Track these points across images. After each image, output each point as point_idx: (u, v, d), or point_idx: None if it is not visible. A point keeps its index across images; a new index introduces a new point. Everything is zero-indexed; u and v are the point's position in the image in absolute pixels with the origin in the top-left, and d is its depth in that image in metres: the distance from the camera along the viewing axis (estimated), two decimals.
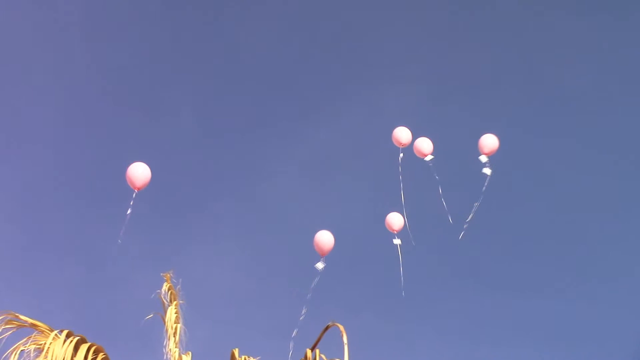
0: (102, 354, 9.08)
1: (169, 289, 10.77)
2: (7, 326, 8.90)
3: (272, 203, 19.50)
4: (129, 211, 10.83)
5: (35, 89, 19.28)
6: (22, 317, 9.00)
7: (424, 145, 13.12)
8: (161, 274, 10.93)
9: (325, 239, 12.37)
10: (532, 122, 19.87)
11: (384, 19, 20.91)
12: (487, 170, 12.74)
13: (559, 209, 19.75)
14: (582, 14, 20.50)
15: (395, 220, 12.95)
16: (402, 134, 13.27)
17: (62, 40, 19.77)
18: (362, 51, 20.70)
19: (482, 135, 13.09)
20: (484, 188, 12.79)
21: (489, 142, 12.86)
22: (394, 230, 12.92)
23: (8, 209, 18.13)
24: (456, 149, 19.00)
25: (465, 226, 13.04)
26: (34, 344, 8.91)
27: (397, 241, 12.88)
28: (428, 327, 18.79)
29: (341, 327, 9.29)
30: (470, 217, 12.95)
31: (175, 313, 10.53)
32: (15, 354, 8.71)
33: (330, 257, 19.15)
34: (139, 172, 10.95)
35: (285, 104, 20.25)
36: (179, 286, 10.95)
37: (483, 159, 12.80)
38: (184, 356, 9.93)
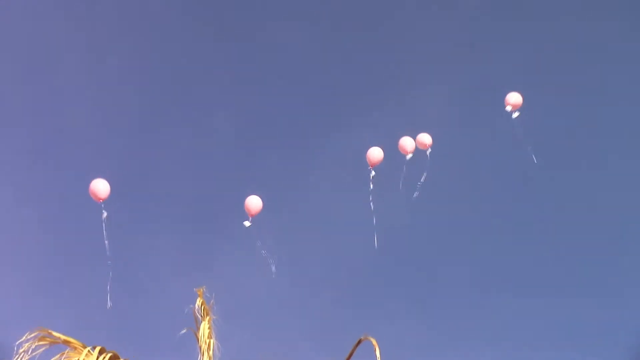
0: None
1: (202, 305, 10.77)
2: (40, 343, 8.95)
3: (308, 209, 19.42)
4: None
5: (72, 89, 19.39)
6: (54, 333, 9.05)
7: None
8: (194, 289, 10.94)
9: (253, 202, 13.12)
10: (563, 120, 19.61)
11: (417, 21, 20.80)
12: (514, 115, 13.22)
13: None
14: None
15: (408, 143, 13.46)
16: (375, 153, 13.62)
17: (96, 40, 19.90)
18: (396, 54, 20.59)
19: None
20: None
21: (514, 98, 13.34)
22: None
23: (40, 217, 18.26)
24: (488, 148, 18.96)
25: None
26: None
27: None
28: (464, 331, 18.59)
29: (374, 341, 9.18)
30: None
31: (208, 328, 10.53)
32: None
33: (367, 262, 19.09)
34: (101, 186, 11.74)
35: (319, 108, 20.17)
36: (212, 301, 10.95)
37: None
38: None
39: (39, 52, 19.15)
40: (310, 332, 16.94)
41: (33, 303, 16.01)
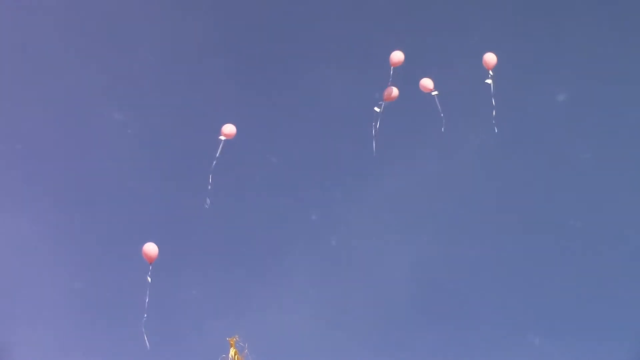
0: None
1: (234, 354, 10.66)
2: None
3: (345, 253, 19.28)
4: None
5: (106, 146, 19.64)
6: None
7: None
8: (227, 339, 10.85)
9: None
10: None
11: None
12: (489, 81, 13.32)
13: None
14: None
15: None
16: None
17: (138, 91, 20.12)
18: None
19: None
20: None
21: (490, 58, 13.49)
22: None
23: (70, 263, 18.34)
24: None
25: None
26: None
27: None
28: None
29: None
30: None
31: None
32: None
33: (405, 306, 18.84)
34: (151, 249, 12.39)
35: (353, 152, 20.06)
36: (245, 350, 10.83)
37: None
38: None
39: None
40: None
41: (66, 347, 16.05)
